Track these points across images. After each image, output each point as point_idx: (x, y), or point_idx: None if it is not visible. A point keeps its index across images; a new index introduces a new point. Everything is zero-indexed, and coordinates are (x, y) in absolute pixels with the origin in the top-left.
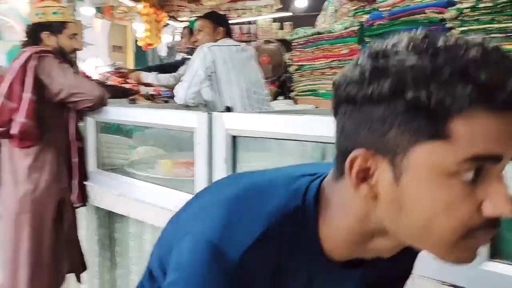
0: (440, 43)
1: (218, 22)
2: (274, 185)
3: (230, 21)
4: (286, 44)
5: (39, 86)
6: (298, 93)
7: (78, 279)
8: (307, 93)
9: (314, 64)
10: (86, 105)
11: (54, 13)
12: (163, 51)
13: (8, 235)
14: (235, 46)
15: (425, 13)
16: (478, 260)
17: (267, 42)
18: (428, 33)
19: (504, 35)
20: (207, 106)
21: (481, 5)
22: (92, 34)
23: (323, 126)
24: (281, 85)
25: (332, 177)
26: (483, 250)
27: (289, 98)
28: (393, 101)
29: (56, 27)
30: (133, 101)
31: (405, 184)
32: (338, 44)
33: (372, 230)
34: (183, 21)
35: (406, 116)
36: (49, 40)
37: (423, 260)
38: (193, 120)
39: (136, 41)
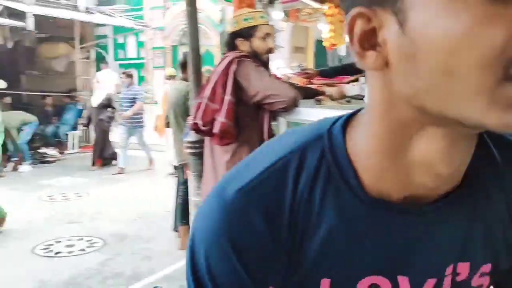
0: None
1: None
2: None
3: None
4: None
5: (238, 89)
6: None
7: None
8: None
9: None
10: (280, 106)
11: (245, 19)
12: (342, 51)
13: None
14: None
15: None
16: None
17: None
18: None
19: None
20: None
21: None
22: (279, 37)
23: None
24: None
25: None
26: None
27: None
28: None
29: (247, 32)
30: (319, 102)
31: (413, 27)
32: None
33: (404, 122)
34: None
35: None
36: (243, 46)
37: None
38: None
39: (316, 41)
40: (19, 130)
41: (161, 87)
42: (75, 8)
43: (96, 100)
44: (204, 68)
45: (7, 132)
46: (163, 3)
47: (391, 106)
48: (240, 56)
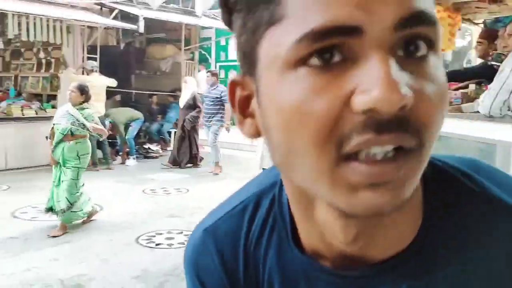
0: None
1: None
2: None
3: None
4: None
5: None
6: None
7: None
8: None
9: None
10: None
11: None
12: (448, 56)
13: None
14: None
15: None
16: None
17: None
18: None
19: None
20: None
21: None
22: None
23: None
24: None
25: None
26: None
27: None
28: None
29: None
30: None
31: (262, 99)
32: None
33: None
34: (478, 23)
35: (246, 6)
36: None
37: None
38: (498, 132)
39: None
40: (127, 126)
41: None
42: (182, 11)
43: (182, 100)
44: None
45: (115, 127)
46: None
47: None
48: None
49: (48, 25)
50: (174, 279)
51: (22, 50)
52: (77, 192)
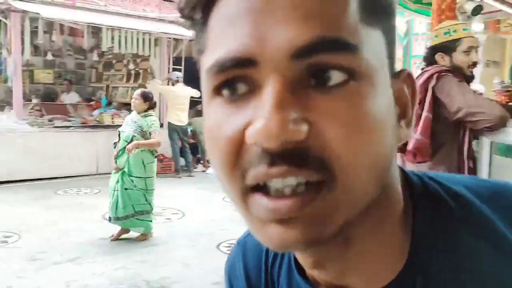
0: None
1: None
2: None
3: None
4: None
5: (436, 105)
6: None
7: None
8: None
9: None
10: (486, 125)
11: (446, 33)
12: None
13: None
14: None
15: None
16: None
17: None
18: None
19: None
20: None
21: None
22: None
23: None
24: None
25: None
26: None
27: None
28: None
29: (448, 46)
30: None
31: None
32: None
33: None
34: None
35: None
36: (443, 60)
37: None
38: None
39: None
40: None
41: None
42: None
43: None
44: None
45: (196, 135)
46: None
47: None
48: (440, 71)
49: (138, 38)
50: None
51: (114, 62)
52: (145, 203)
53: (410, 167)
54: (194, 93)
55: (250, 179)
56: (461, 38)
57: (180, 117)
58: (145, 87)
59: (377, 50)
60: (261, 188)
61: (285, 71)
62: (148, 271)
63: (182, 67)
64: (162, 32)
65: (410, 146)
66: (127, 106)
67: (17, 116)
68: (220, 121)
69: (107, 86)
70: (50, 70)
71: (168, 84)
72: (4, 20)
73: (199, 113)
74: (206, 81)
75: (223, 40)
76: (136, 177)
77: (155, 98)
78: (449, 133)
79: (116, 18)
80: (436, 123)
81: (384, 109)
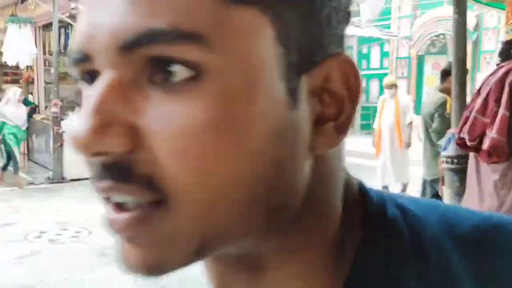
0: None
1: None
2: None
3: None
4: None
5: None
6: None
7: None
8: None
9: None
10: None
11: None
12: None
13: None
14: None
15: None
16: None
17: None
18: None
19: None
20: None
21: None
22: None
23: None
24: None
25: None
26: None
27: None
28: None
29: None
30: None
31: None
32: None
33: None
34: None
35: None
36: None
37: None
38: None
39: None
40: None
41: (380, 98)
42: None
43: None
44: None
45: None
46: (411, 11)
47: None
48: None
49: None
50: None
51: None
52: None
53: (484, 167)
54: None
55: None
56: None
57: None
58: None
59: (251, 38)
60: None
61: (117, 66)
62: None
63: None
64: None
65: (485, 145)
66: None
67: None
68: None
69: None
70: None
71: None
72: (75, 24)
73: None
74: None
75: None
76: None
77: None
78: None
79: None
80: None
81: (263, 115)
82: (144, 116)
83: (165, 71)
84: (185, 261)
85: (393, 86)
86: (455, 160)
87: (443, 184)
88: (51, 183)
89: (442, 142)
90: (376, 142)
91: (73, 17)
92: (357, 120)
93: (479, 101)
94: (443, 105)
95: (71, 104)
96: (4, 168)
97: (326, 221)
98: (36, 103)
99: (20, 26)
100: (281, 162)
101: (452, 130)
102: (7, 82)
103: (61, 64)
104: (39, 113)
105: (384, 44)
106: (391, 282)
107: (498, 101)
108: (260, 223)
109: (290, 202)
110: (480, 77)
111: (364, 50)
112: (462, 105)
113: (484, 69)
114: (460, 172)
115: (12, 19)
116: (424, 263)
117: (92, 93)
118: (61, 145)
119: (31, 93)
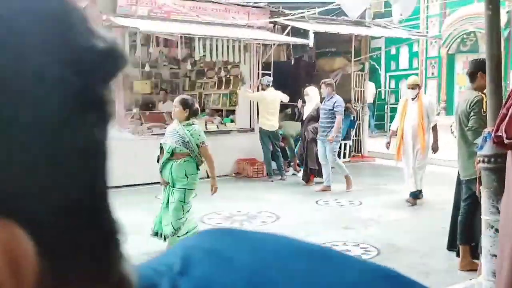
0: None
1: None
2: None
3: None
4: None
5: None
6: None
7: None
8: None
9: None
10: None
11: None
12: None
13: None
14: None
15: None
16: None
17: None
18: None
19: None
20: None
21: None
22: None
23: None
24: None
25: None
26: None
27: None
28: None
29: None
30: None
31: None
32: None
33: None
34: None
35: None
36: None
37: None
38: None
39: None
40: (297, 139)
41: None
42: (352, 23)
43: (306, 113)
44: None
45: (286, 139)
46: (439, 10)
47: None
48: None
49: (228, 46)
50: None
51: (205, 70)
52: (183, 217)
53: None
54: (284, 97)
55: None
56: None
57: (272, 121)
58: (236, 93)
59: None
60: None
61: None
62: None
63: (271, 72)
64: (252, 38)
65: None
66: (219, 113)
67: (120, 125)
68: None
69: (200, 94)
70: (147, 81)
71: (258, 90)
72: None
73: (288, 117)
74: None
75: None
76: (178, 188)
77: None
78: None
79: (207, 27)
80: None
81: None
82: None
83: None
84: None
85: (417, 86)
86: (492, 159)
87: (480, 185)
88: None
89: (478, 141)
90: (398, 146)
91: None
92: (387, 121)
93: None
94: (478, 103)
95: None
96: None
97: None
98: None
99: None
100: None
101: (489, 129)
102: None
103: None
104: None
105: (413, 44)
106: None
107: None
108: None
109: None
110: None
111: (393, 51)
112: (498, 103)
113: None
114: (498, 172)
115: None
116: None
117: None
118: None
119: None
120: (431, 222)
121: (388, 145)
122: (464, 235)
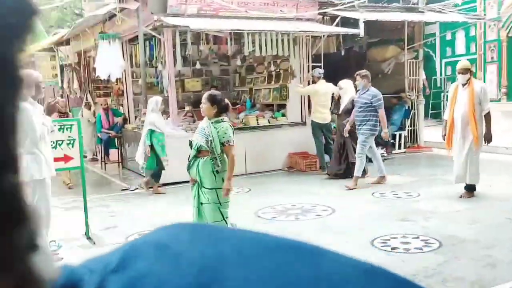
0: None
1: None
2: None
3: None
4: None
5: None
6: None
7: None
8: None
9: None
10: None
11: None
12: None
13: None
14: None
15: None
16: None
17: None
18: None
19: None
20: None
21: None
22: None
23: None
24: None
25: None
26: None
27: None
28: None
29: None
30: None
31: None
32: None
33: None
34: None
35: None
36: None
37: None
38: None
39: None
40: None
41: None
42: (404, 9)
43: (342, 105)
44: None
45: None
46: None
47: None
48: None
49: (277, 40)
50: None
51: (255, 65)
52: (221, 221)
53: None
54: (335, 89)
55: None
56: None
57: (324, 114)
58: (286, 87)
59: None
60: None
61: None
62: None
63: (321, 64)
64: (300, 31)
65: None
66: (269, 107)
67: (173, 122)
68: None
69: (250, 89)
70: (198, 79)
71: (308, 83)
72: (158, 36)
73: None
74: None
75: None
76: (208, 188)
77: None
78: None
79: (256, 22)
80: None
81: None
82: None
83: None
84: None
85: (467, 71)
86: None
87: None
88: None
89: None
90: (448, 135)
91: (155, 29)
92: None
93: None
94: None
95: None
96: (155, 176)
97: None
98: (126, 113)
99: (109, 42)
100: None
101: None
102: (99, 96)
103: (148, 75)
104: (129, 123)
105: (469, 28)
106: None
107: None
108: None
109: None
110: None
111: (448, 37)
112: None
113: None
114: None
115: (102, 35)
116: None
117: None
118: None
119: (122, 105)
120: (494, 213)
121: (444, 136)
122: None
